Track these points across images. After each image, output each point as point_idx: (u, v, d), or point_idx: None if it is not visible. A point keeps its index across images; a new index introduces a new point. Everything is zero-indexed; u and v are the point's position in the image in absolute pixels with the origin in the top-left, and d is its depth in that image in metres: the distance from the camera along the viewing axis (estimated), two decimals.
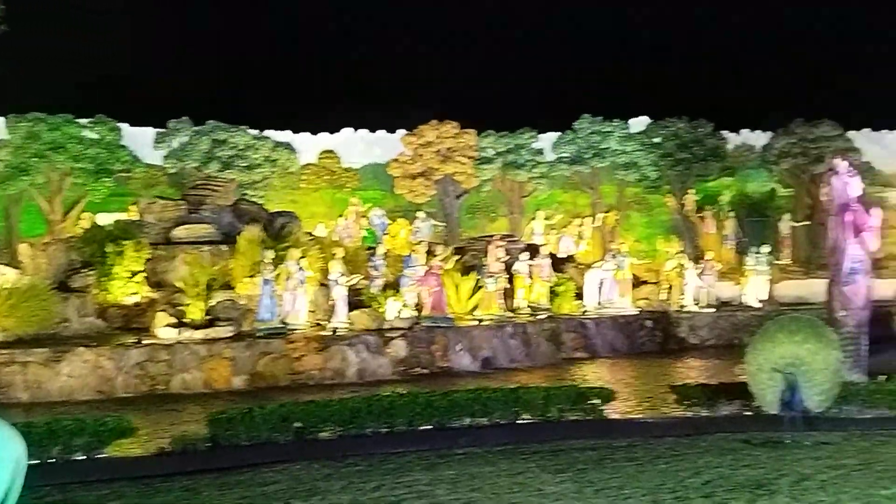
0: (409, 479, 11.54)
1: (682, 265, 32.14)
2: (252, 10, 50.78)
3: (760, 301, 32.08)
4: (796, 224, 39.44)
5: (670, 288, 32.04)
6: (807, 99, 47.19)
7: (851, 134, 41.39)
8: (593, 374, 23.78)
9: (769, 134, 42.14)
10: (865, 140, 41.91)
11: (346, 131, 43.16)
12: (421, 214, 36.82)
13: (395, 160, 39.56)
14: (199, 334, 22.20)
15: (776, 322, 15.03)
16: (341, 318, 23.93)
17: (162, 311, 23.01)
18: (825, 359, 14.53)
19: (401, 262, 26.65)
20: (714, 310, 31.33)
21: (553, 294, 28.99)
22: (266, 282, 23.08)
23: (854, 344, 18.48)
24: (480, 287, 26.99)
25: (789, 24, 53.97)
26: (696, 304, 31.31)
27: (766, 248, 33.74)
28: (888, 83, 50.60)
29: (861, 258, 18.68)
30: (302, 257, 24.18)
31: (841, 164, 19.35)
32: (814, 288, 28.67)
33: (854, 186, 18.92)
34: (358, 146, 42.77)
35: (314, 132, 42.71)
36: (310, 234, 29.37)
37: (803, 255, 39.06)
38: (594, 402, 16.00)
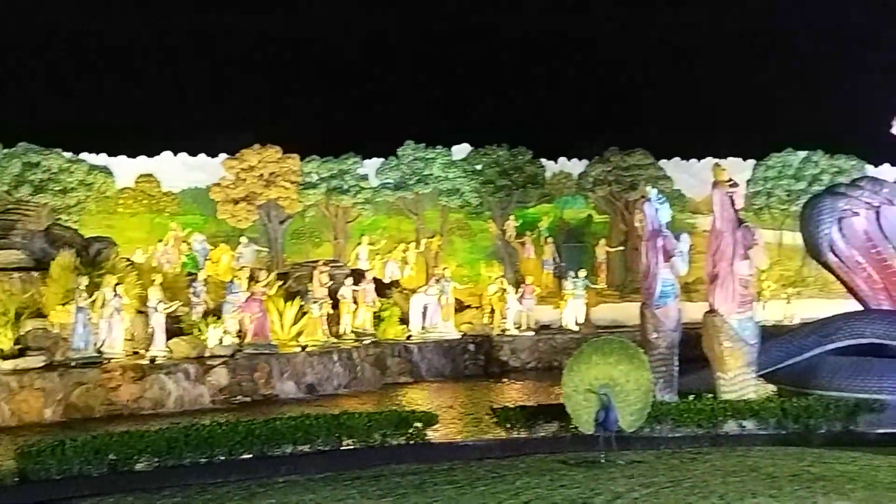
0: None
1: (504, 290, 32.70)
2: (68, 28, 49.12)
3: (578, 324, 32.88)
4: (611, 249, 40.55)
5: (492, 312, 32.53)
6: (621, 128, 48.86)
7: (663, 162, 42.94)
8: (417, 399, 23.87)
9: (585, 162, 43.21)
10: (675, 168, 43.63)
11: (166, 155, 42.25)
12: (244, 240, 36.36)
13: (217, 185, 38.80)
14: (8, 365, 21.23)
15: (591, 344, 15.38)
16: (160, 347, 23.34)
17: None
18: (637, 380, 14.96)
19: (223, 288, 26.21)
20: (534, 333, 31.96)
21: (378, 319, 29.02)
22: (80, 309, 22.26)
23: (665, 365, 19.09)
24: (305, 313, 26.80)
25: (604, 57, 55.90)
26: (517, 328, 31.88)
27: (583, 273, 34.62)
28: (697, 114, 53.02)
29: (672, 282, 19.34)
30: (118, 284, 23.48)
31: (652, 192, 20.07)
32: (628, 311, 29.65)
33: (664, 213, 19.63)
34: (178, 170, 41.92)
35: (132, 155, 41.61)
36: (127, 259, 28.43)
37: (618, 279, 40.25)
38: (417, 426, 16.06)
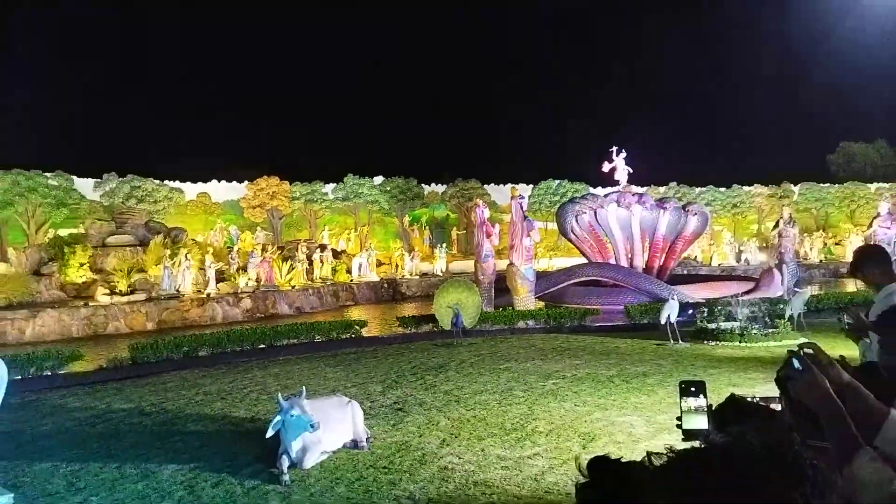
0: (250, 375, 11.12)
1: (403, 254, 32.71)
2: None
3: (442, 272, 33.08)
4: (459, 233, 41.02)
5: (397, 266, 32.52)
6: (462, 165, 49.20)
7: (487, 186, 43.48)
8: (356, 314, 23.67)
9: (444, 186, 43.58)
10: (492, 189, 44.11)
11: (213, 181, 40.85)
12: (258, 229, 35.63)
13: (243, 198, 38.17)
14: (124, 299, 20.27)
15: (448, 282, 15.61)
16: (212, 287, 22.57)
17: (101, 285, 20.85)
18: (473, 300, 15.24)
19: (248, 255, 25.49)
20: (419, 277, 32.02)
21: (334, 271, 28.66)
22: (166, 267, 21.38)
23: (487, 292, 19.39)
24: (293, 268, 26.32)
25: (452, 121, 55.91)
26: (410, 275, 31.90)
27: (444, 245, 34.90)
28: (504, 156, 53.70)
29: (490, 250, 19.65)
30: (188, 253, 22.60)
31: (480, 202, 20.27)
32: (469, 265, 29.92)
33: (486, 213, 19.89)
34: (221, 190, 40.65)
35: (194, 181, 40.15)
36: (193, 240, 27.44)
37: (464, 248, 40.74)
38: (356, 328, 15.90)
